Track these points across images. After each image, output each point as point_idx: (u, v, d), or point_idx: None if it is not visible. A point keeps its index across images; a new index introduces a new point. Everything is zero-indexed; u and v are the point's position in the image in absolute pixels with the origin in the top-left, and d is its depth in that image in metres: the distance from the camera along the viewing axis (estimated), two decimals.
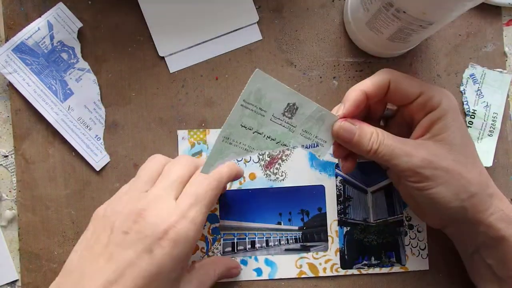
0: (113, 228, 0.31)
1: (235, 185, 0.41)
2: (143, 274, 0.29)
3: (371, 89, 0.34)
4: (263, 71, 0.30)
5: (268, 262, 0.41)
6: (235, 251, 0.41)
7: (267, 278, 0.41)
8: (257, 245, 0.41)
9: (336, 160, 0.42)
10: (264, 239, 0.41)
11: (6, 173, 0.41)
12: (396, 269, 0.42)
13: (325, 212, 0.41)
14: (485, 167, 0.41)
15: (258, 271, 0.41)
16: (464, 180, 0.33)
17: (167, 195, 0.32)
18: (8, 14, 0.40)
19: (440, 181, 0.32)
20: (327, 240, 0.41)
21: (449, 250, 0.41)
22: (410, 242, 0.42)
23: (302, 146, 0.36)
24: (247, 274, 0.41)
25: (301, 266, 0.41)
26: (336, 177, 0.42)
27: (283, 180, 0.41)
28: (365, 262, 0.41)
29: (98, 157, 0.41)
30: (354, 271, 0.41)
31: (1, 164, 0.41)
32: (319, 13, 0.42)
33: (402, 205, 0.42)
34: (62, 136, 0.40)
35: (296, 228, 0.41)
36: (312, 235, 0.41)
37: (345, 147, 0.35)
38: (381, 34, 0.37)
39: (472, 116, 0.43)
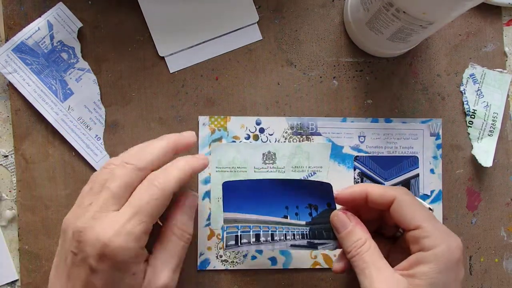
0: (68, 247, 0.32)
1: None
2: None
3: (373, 197, 0.34)
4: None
5: (283, 252, 0.41)
6: (239, 244, 0.38)
7: (281, 267, 0.41)
8: (262, 239, 0.38)
9: (355, 153, 0.42)
10: (270, 232, 0.38)
11: (6, 173, 0.41)
12: None
13: (335, 208, 0.38)
14: (485, 167, 0.42)
15: (273, 260, 0.41)
16: None
17: (106, 209, 0.31)
18: (8, 14, 0.40)
19: None
20: (335, 238, 0.38)
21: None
22: None
23: (300, 178, 0.39)
24: (261, 263, 0.41)
25: (315, 257, 0.41)
26: (355, 170, 0.42)
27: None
28: None
29: (98, 157, 0.41)
30: None
31: (1, 164, 0.41)
32: (319, 13, 0.42)
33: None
34: (62, 136, 0.40)
35: (304, 223, 0.39)
36: (320, 232, 0.38)
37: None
38: (381, 34, 0.37)
39: (472, 116, 0.43)
